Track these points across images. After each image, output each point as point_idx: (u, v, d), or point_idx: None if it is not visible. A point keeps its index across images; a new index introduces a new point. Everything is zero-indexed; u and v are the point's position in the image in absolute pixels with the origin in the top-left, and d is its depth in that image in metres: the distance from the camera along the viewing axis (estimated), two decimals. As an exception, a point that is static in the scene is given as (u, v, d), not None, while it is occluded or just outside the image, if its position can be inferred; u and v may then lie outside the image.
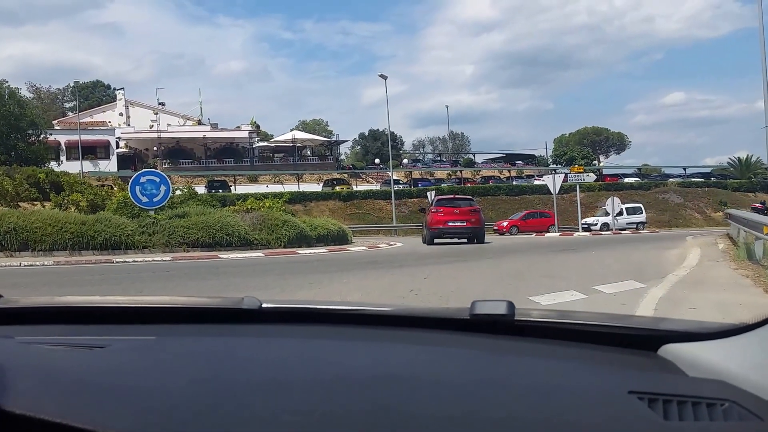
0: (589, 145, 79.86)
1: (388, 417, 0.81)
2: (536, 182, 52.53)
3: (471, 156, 73.11)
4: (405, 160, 67.70)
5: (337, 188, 48.44)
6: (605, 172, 60.70)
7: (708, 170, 59.30)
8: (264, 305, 1.29)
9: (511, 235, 32.35)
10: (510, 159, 70.50)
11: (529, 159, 73.43)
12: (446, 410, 0.83)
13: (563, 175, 35.51)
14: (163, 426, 0.76)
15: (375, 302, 2.39)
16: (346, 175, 55.47)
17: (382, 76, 43.00)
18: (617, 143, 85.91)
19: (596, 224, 35.61)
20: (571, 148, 73.48)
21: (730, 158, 57.07)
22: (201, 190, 42.96)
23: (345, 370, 1.01)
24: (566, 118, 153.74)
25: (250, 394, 0.87)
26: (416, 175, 58.34)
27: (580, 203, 35.97)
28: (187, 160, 57.37)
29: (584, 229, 34.03)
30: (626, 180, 55.01)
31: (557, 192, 31.75)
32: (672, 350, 1.05)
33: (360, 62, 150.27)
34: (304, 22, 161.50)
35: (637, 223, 37.25)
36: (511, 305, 1.15)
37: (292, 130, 62.23)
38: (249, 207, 19.58)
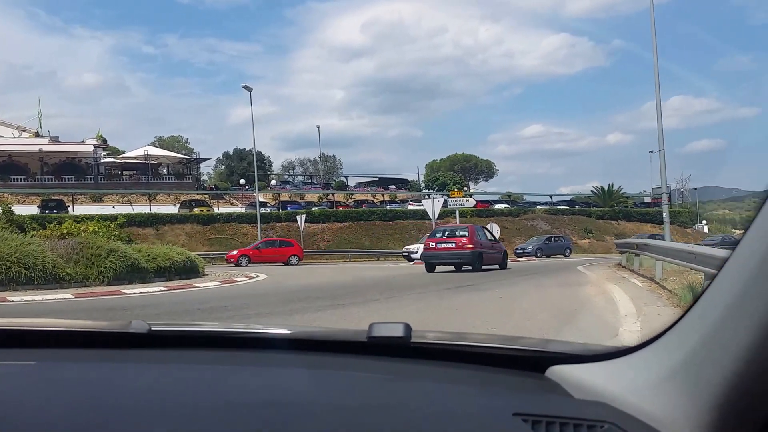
0: (459, 171, 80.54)
1: None
2: (410, 207, 51.05)
3: (343, 179, 70.72)
4: (273, 182, 63.75)
5: (196, 210, 43.65)
6: (475, 198, 60.77)
7: (570, 198, 61.14)
8: (153, 328, 1.26)
9: (239, 266, 28.39)
10: (383, 183, 69.01)
11: (402, 183, 72.39)
12: None
13: (443, 199, 33.59)
14: None
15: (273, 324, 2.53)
16: (206, 197, 50.66)
17: (246, 87, 39.19)
18: (485, 170, 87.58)
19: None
20: (443, 174, 73.36)
21: (593, 187, 59.36)
22: (33, 210, 37.22)
23: (234, 396, 0.97)
24: (435, 146, 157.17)
25: (131, 423, 0.84)
26: (285, 197, 54.83)
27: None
28: (19, 177, 49.83)
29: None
30: (496, 206, 54.96)
31: (436, 218, 29.67)
32: (558, 372, 1.08)
33: (228, 81, 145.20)
34: (168, 36, 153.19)
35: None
36: (407, 327, 1.16)
37: (146, 146, 56.10)
38: (64, 232, 15.17)
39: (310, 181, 70.31)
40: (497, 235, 32.96)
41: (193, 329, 1.51)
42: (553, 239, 39.76)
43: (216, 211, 45.93)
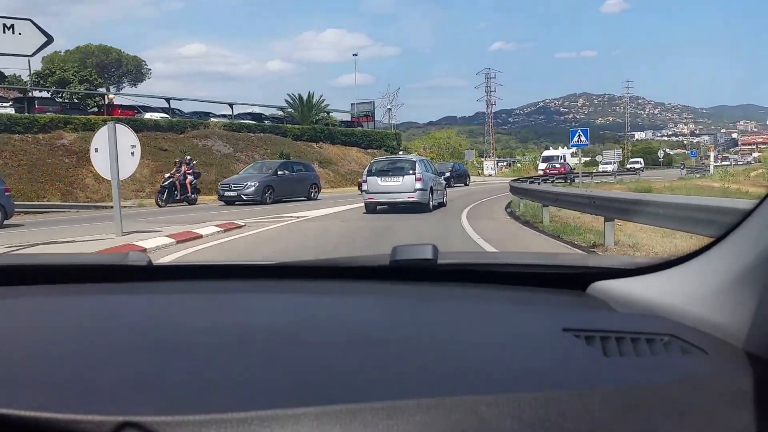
0: (96, 67, 57.11)
1: (312, 372, 0.72)
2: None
3: None
4: None
5: None
6: (119, 102, 39.79)
7: (260, 112, 43.84)
8: (155, 263, 1.21)
9: None
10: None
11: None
12: (375, 363, 0.75)
13: None
14: (33, 397, 0.66)
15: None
16: None
17: None
18: (133, 71, 65.10)
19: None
20: (69, 67, 49.29)
21: (289, 95, 42.80)
22: None
23: (250, 324, 0.91)
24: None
25: (136, 358, 0.78)
26: None
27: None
28: None
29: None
30: (148, 116, 35.40)
31: None
32: (602, 287, 1.03)
33: None
34: None
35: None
36: (435, 249, 1.10)
37: None
38: None
39: None
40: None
41: (199, 263, 1.39)
42: (291, 167, 23.54)
43: None
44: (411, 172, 14.73)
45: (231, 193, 20.66)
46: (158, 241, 8.81)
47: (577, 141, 25.01)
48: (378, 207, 14.97)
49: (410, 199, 14.51)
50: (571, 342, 0.81)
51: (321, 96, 43.08)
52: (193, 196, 22.14)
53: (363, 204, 15.00)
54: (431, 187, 15.30)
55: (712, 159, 54.19)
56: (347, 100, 48.06)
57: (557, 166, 43.87)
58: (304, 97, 41.89)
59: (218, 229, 10.67)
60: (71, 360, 0.77)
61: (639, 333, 0.82)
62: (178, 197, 21.68)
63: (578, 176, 30.04)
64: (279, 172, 22.03)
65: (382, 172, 15.10)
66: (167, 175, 22.00)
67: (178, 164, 22.40)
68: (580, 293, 1.06)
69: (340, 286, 1.16)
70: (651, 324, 0.87)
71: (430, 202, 15.13)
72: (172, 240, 8.97)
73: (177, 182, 21.75)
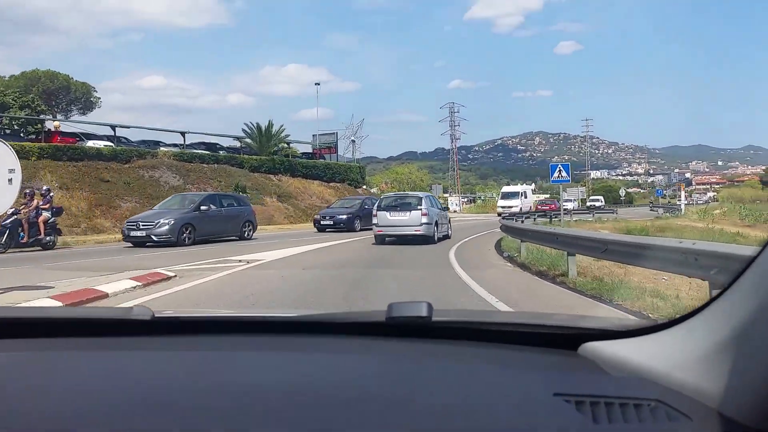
0: (42, 94, 53.68)
1: None
2: None
3: None
4: None
5: None
6: (60, 129, 36.37)
7: (216, 142, 40.62)
8: (157, 315, 1.20)
9: None
10: None
11: None
12: (369, 423, 0.77)
13: None
14: None
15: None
16: None
17: None
18: (82, 98, 61.58)
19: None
20: (11, 93, 45.64)
21: (246, 125, 39.91)
22: None
23: (249, 381, 0.92)
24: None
25: (138, 413, 0.79)
26: None
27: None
28: None
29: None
30: (91, 144, 32.26)
31: None
32: (592, 349, 1.04)
33: None
34: None
35: None
36: (430, 306, 1.11)
37: None
38: None
39: None
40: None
41: (201, 315, 1.40)
42: (218, 201, 19.51)
43: None
44: (418, 207, 15.91)
45: (138, 233, 16.45)
46: (43, 303, 5.99)
47: (558, 176, 22.86)
48: (386, 239, 16.11)
49: (417, 233, 15.57)
50: (561, 407, 0.82)
51: (281, 126, 40.48)
52: (48, 238, 16.41)
53: (324, 246, 14.15)
54: (436, 221, 16.32)
55: (683, 198, 53.78)
56: (309, 134, 45.59)
57: (548, 203, 45.51)
58: (263, 127, 39.18)
59: (135, 283, 7.81)
60: (67, 421, 0.76)
61: (627, 398, 0.84)
62: (24, 240, 15.78)
63: (560, 213, 28.17)
64: (202, 208, 17.95)
65: (391, 207, 16.31)
66: (10, 210, 14.25)
67: (29, 196, 16.21)
68: (572, 353, 1.06)
69: (337, 343, 1.15)
70: (639, 388, 0.88)
71: (435, 235, 16.12)
72: (59, 302, 6.13)
73: (25, 220, 15.80)
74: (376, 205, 17.30)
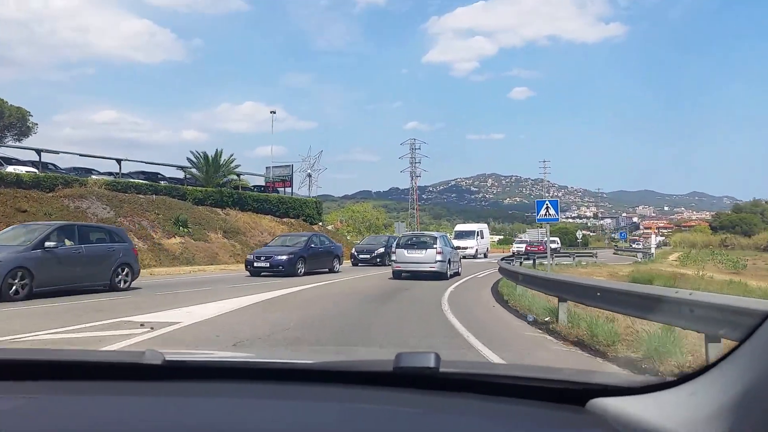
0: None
1: None
2: None
3: None
4: None
5: None
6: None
7: (156, 170, 36.86)
8: (168, 359, 1.19)
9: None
10: None
11: None
12: None
13: None
14: None
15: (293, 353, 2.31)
16: None
17: None
18: (17, 123, 56.91)
19: None
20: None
21: (192, 153, 36.35)
22: None
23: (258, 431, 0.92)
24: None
25: None
26: None
27: None
28: None
29: None
30: (10, 169, 28.39)
31: None
32: (601, 405, 1.03)
33: None
34: None
35: None
36: (437, 357, 1.11)
37: None
38: None
39: None
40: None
41: (211, 359, 1.42)
42: (78, 235, 13.17)
43: None
44: (433, 246, 17.44)
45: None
46: None
47: (545, 215, 20.04)
48: (403, 274, 17.46)
49: (432, 269, 17.10)
50: None
51: (231, 155, 37.15)
52: None
53: (261, 299, 11.86)
54: (449, 259, 18.02)
55: (653, 242, 52.61)
56: (263, 170, 42.41)
57: (536, 244, 44.94)
58: (210, 156, 35.81)
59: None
60: None
61: None
62: None
63: (545, 255, 25.88)
64: (48, 244, 12.12)
65: (409, 245, 17.84)
66: None
67: None
68: (579, 409, 1.05)
69: (344, 393, 1.14)
70: None
71: (448, 272, 17.81)
72: None
73: None
74: (395, 242, 19.51)
